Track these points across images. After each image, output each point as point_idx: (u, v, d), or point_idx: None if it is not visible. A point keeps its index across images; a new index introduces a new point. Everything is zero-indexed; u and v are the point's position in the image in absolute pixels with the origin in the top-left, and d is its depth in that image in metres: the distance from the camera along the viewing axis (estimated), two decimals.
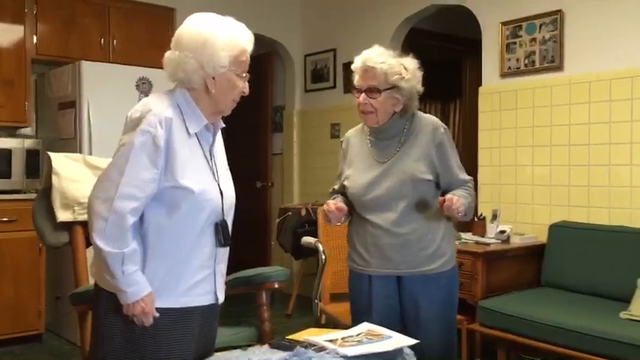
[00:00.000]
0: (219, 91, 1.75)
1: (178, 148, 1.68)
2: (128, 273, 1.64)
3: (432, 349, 2.26)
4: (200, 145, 1.77)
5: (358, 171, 2.34)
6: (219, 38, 1.71)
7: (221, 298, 1.85)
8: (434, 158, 2.28)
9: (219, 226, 1.78)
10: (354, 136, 2.45)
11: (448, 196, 2.17)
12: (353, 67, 2.31)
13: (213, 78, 1.73)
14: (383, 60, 2.25)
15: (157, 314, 1.69)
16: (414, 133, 2.32)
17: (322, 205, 2.60)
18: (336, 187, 2.47)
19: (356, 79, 2.31)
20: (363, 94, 2.27)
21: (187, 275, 1.74)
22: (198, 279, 1.76)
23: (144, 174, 1.64)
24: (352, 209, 2.37)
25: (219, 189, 1.79)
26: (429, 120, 2.36)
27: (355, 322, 2.19)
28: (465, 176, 2.35)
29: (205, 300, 1.79)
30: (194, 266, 1.74)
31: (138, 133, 1.65)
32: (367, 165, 2.33)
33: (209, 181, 1.76)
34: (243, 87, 1.79)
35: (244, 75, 1.78)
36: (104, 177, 1.69)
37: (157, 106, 1.69)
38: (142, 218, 1.68)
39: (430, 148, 2.28)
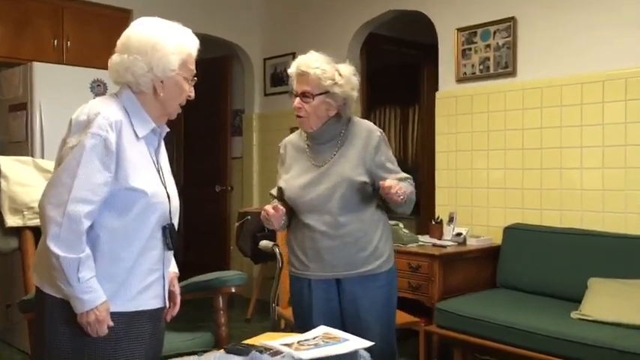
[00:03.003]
0: (168, 95, 1.76)
1: (129, 151, 1.68)
2: (84, 280, 1.62)
3: (374, 352, 2.28)
4: (147, 148, 1.77)
5: (295, 174, 2.37)
6: (170, 42, 1.72)
7: (168, 302, 1.86)
8: (369, 162, 2.32)
9: (167, 229, 1.77)
10: (292, 141, 2.46)
11: (388, 181, 2.17)
12: (289, 71, 2.35)
13: (162, 82, 1.74)
14: (317, 65, 2.28)
15: (112, 323, 1.67)
16: (350, 137, 2.35)
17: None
18: (273, 192, 2.47)
19: (292, 84, 2.34)
20: (297, 99, 2.30)
21: (138, 279, 1.73)
22: (148, 282, 1.76)
23: (96, 177, 1.62)
24: (291, 214, 2.38)
25: (167, 192, 1.79)
26: (365, 125, 2.41)
27: (299, 326, 2.21)
28: (402, 174, 2.37)
29: (155, 303, 1.79)
30: (144, 270, 1.74)
31: (88, 136, 1.63)
32: (304, 168, 2.36)
33: (158, 183, 1.77)
34: (190, 91, 1.81)
35: (191, 80, 1.81)
36: (55, 181, 1.66)
37: (106, 109, 1.68)
38: (92, 222, 1.66)
39: (365, 152, 2.32)
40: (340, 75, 2.30)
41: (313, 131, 2.34)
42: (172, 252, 1.84)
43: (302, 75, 2.29)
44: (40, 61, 4.12)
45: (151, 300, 1.77)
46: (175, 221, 1.84)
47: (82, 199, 1.61)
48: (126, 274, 1.70)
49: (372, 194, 2.34)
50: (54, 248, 1.60)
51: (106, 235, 1.67)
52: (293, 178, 2.36)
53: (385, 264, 2.37)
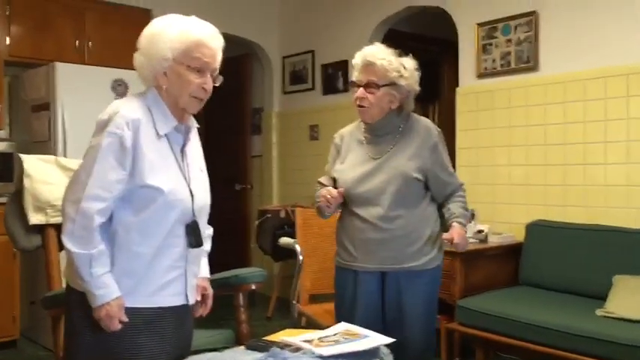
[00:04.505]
0: (172, 87, 1.74)
1: (146, 149, 1.68)
2: (96, 275, 1.64)
3: (413, 346, 2.29)
4: (170, 146, 1.76)
5: (350, 166, 2.38)
6: (167, 32, 1.71)
7: (191, 300, 1.84)
8: (426, 160, 2.34)
9: (190, 227, 1.77)
10: (350, 131, 2.48)
11: (455, 237, 2.25)
12: (353, 62, 2.36)
13: (165, 73, 1.73)
14: (383, 56, 2.31)
15: (125, 319, 1.68)
16: (409, 132, 2.37)
17: (302, 205, 2.58)
18: (323, 180, 2.48)
19: (355, 75, 2.35)
20: (361, 89, 2.31)
21: (157, 275, 1.73)
22: (168, 279, 1.75)
23: (111, 175, 1.65)
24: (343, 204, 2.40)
25: (190, 190, 1.77)
26: (424, 122, 2.43)
27: (339, 318, 2.21)
28: (457, 180, 2.44)
29: (176, 300, 1.78)
30: (164, 266, 1.74)
31: (105, 135, 1.66)
32: (360, 160, 2.37)
33: (179, 181, 1.75)
34: (202, 83, 1.74)
35: (200, 70, 1.73)
36: (73, 179, 1.72)
37: (125, 108, 1.70)
38: (111, 218, 1.69)
39: (423, 149, 2.34)
40: (405, 68, 2.33)
41: (373, 123, 2.35)
42: (199, 250, 1.83)
43: (369, 65, 2.30)
44: (62, 61, 4.17)
45: (171, 297, 1.77)
46: (202, 220, 1.83)
47: (95, 196, 1.63)
48: (145, 270, 1.71)
49: (423, 193, 2.36)
50: (68, 244, 1.65)
51: (123, 231, 1.68)
52: (348, 169, 2.37)
53: (432, 261, 2.37)
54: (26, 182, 2.42)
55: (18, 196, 2.43)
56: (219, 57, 1.79)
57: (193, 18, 1.77)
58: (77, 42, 4.50)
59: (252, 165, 5.88)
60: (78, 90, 4.06)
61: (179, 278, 1.78)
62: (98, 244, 1.64)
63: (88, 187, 1.64)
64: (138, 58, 1.74)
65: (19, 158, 2.48)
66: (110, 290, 1.65)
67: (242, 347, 1.87)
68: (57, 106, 4.04)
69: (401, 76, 2.31)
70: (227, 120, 6.02)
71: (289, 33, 5.62)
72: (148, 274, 1.72)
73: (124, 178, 1.66)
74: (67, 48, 4.47)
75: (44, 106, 4.14)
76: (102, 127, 1.68)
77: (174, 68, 1.72)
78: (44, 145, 4.11)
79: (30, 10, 4.35)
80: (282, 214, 4.82)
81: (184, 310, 1.82)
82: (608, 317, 2.89)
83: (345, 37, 4.93)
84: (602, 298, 3.06)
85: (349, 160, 2.40)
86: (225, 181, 5.96)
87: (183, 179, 1.77)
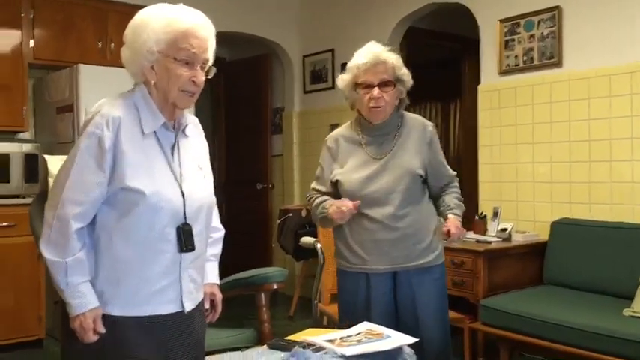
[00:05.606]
0: (160, 81, 1.62)
1: (128, 150, 1.58)
2: (73, 284, 1.55)
3: (431, 343, 2.27)
4: (160, 145, 1.65)
5: (352, 168, 2.33)
6: (152, 23, 1.60)
7: (188, 307, 1.69)
8: (425, 155, 2.34)
9: (182, 230, 1.63)
10: (344, 134, 2.42)
11: (451, 228, 2.24)
12: (360, 62, 2.27)
13: (153, 68, 1.61)
14: (389, 53, 2.29)
15: (103, 330, 1.58)
16: (407, 130, 2.36)
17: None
18: (319, 187, 2.40)
19: (362, 76, 2.28)
20: (376, 89, 2.25)
21: (147, 283, 1.61)
22: (160, 286, 1.63)
23: (89, 177, 1.56)
24: None
25: (182, 191, 1.64)
26: (418, 118, 2.43)
27: (348, 323, 2.12)
28: (451, 172, 2.45)
29: (170, 308, 1.65)
30: (155, 273, 1.62)
31: (85, 136, 1.58)
32: (362, 162, 2.33)
33: (167, 183, 1.62)
34: (191, 75, 1.61)
35: (189, 62, 1.61)
36: (55, 182, 1.63)
37: (107, 107, 1.61)
38: (94, 223, 1.60)
39: (422, 145, 2.34)
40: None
41: (378, 123, 2.33)
42: (196, 253, 1.68)
43: (381, 63, 2.26)
44: (85, 63, 4.21)
45: (164, 305, 1.64)
46: (199, 222, 1.69)
47: (72, 200, 1.55)
48: (132, 278, 1.60)
49: (423, 187, 2.36)
50: (43, 251, 1.56)
51: (106, 237, 1.59)
52: (351, 172, 2.33)
53: (440, 257, 2.38)
54: (51, 183, 2.44)
55: (43, 197, 2.45)
56: (210, 47, 1.66)
57: (180, 6, 1.65)
58: (100, 43, 4.55)
59: (274, 164, 5.89)
60: (101, 91, 4.00)
61: (172, 285, 1.65)
62: (76, 251, 1.55)
63: (65, 191, 1.56)
64: (124, 52, 1.65)
65: (44, 159, 2.51)
66: (86, 300, 1.56)
67: (264, 346, 1.87)
68: (80, 108, 4.08)
69: (404, 72, 2.30)
70: (248, 120, 6.04)
71: (309, 32, 5.62)
72: (135, 282, 1.60)
73: (103, 180, 1.56)
74: (90, 50, 4.52)
75: (68, 108, 4.19)
76: (84, 126, 1.61)
77: (161, 61, 1.60)
78: (68, 146, 4.10)
79: (53, 13, 4.41)
80: (304, 214, 4.82)
81: (182, 317, 1.68)
82: (635, 317, 2.84)
83: (365, 36, 4.87)
84: (629, 297, 3.00)
85: (351, 164, 2.34)
86: (247, 181, 5.99)
87: (174, 179, 1.64)
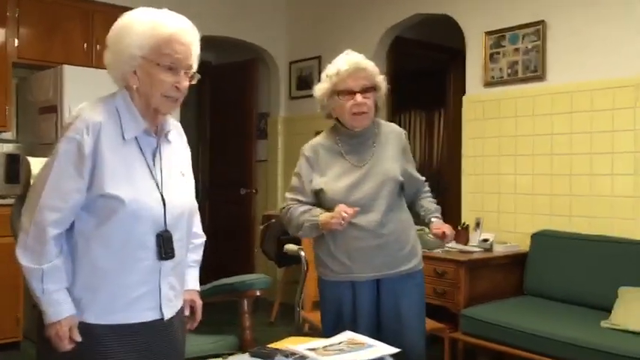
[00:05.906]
0: (143, 87, 1.60)
1: (108, 155, 1.55)
2: (48, 292, 1.53)
3: (413, 349, 2.27)
4: (141, 150, 1.63)
5: (334, 176, 2.33)
6: (135, 27, 1.58)
7: (167, 314, 1.66)
8: (402, 161, 2.39)
9: (161, 238, 1.60)
10: (323, 144, 2.40)
11: (445, 230, 2.29)
12: (342, 69, 2.28)
13: (135, 72, 1.59)
14: (368, 61, 2.32)
15: (79, 338, 1.55)
16: (384, 136, 2.40)
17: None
18: (300, 197, 2.36)
19: (343, 83, 2.28)
20: (359, 95, 2.27)
21: (125, 291, 1.59)
22: (138, 294, 1.60)
23: (67, 183, 1.53)
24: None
25: (162, 198, 1.62)
26: (392, 125, 2.50)
27: (333, 333, 2.09)
28: (421, 176, 2.52)
29: (149, 316, 1.63)
30: (133, 281, 1.59)
31: (64, 141, 1.55)
32: (343, 170, 2.33)
33: (147, 189, 1.60)
34: (174, 81, 1.59)
35: (172, 67, 1.59)
36: (32, 187, 1.61)
37: (87, 111, 1.58)
38: (72, 229, 1.58)
39: (399, 151, 2.39)
40: None
41: (359, 130, 2.34)
42: (176, 261, 1.66)
43: (361, 70, 2.29)
44: (70, 64, 4.18)
45: (143, 312, 1.62)
46: (179, 229, 1.66)
47: (50, 206, 1.52)
48: (110, 286, 1.57)
49: (401, 192, 2.39)
50: (20, 257, 1.54)
51: (83, 243, 1.57)
52: (333, 180, 2.32)
53: (420, 263, 2.42)
54: (33, 184, 2.42)
55: (24, 198, 2.44)
56: (194, 53, 1.63)
57: (164, 11, 1.62)
58: (85, 45, 4.52)
59: (258, 169, 5.88)
60: (85, 92, 3.98)
61: (151, 292, 1.62)
62: (52, 257, 1.53)
63: (43, 197, 1.53)
64: (106, 56, 1.62)
65: (27, 162, 2.48)
66: (62, 308, 1.54)
67: (246, 354, 1.86)
68: (64, 109, 4.05)
69: (380, 78, 2.34)
70: (233, 124, 6.03)
71: (296, 38, 5.63)
72: (113, 289, 1.58)
73: (82, 186, 1.54)
74: (75, 51, 4.48)
75: (51, 109, 4.15)
76: (64, 131, 1.58)
77: (143, 67, 1.58)
78: (51, 147, 4.08)
79: (39, 12, 4.37)
80: None
81: (161, 324, 1.66)
82: (612, 329, 2.88)
83: (352, 44, 4.88)
84: (607, 309, 3.05)
85: (332, 172, 2.33)
86: (231, 185, 5.97)
87: (155, 186, 1.62)
